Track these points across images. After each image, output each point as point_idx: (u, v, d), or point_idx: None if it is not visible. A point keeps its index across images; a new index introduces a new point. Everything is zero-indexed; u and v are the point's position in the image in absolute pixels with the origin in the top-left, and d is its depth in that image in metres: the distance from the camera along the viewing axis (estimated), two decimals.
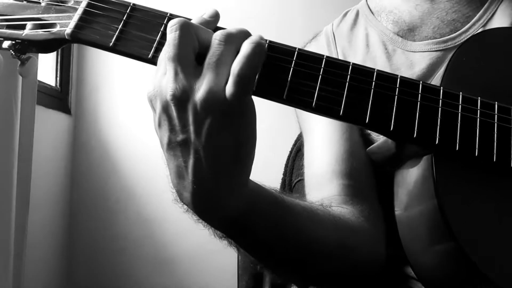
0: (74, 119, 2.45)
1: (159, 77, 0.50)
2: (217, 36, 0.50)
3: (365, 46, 0.83)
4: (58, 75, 2.38)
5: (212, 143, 0.48)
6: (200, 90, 0.47)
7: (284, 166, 1.13)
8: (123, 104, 2.44)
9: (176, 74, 0.48)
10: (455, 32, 0.78)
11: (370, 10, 0.87)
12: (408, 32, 0.81)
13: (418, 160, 0.56)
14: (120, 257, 2.38)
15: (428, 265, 0.57)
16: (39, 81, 1.90)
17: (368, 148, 0.64)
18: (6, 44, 0.56)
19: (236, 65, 0.48)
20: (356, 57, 0.83)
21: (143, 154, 2.39)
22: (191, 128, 0.48)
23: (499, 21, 0.77)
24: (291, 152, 1.13)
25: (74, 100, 2.45)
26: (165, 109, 0.49)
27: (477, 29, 0.77)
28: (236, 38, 0.50)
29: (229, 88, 0.48)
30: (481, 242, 0.52)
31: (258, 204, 0.55)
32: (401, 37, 0.81)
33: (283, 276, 0.69)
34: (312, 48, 0.89)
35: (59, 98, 2.35)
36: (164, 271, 2.35)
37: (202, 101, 0.47)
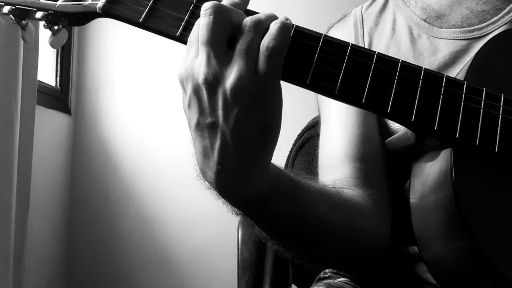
0: (74, 119, 2.45)
1: (191, 59, 0.51)
2: (247, 23, 0.51)
3: (391, 30, 0.83)
4: (58, 75, 2.38)
5: (239, 128, 0.50)
6: (231, 77, 0.49)
7: (284, 166, 1.13)
8: (123, 104, 2.44)
9: (208, 58, 0.49)
10: (483, 23, 0.78)
11: None
12: (436, 19, 0.81)
13: (437, 153, 0.56)
14: (120, 257, 2.38)
15: (440, 256, 0.56)
16: (39, 81, 1.90)
17: (387, 140, 0.64)
18: (39, 14, 0.57)
19: (263, 45, 0.50)
20: (381, 40, 0.83)
21: (143, 154, 2.39)
22: (220, 112, 0.49)
23: None
24: (291, 152, 1.13)
25: (74, 100, 2.45)
26: (196, 91, 0.50)
27: (506, 21, 0.76)
28: (265, 24, 0.51)
29: (259, 69, 0.49)
30: (495, 236, 0.51)
31: (278, 187, 0.57)
32: (429, 23, 0.81)
33: (292, 254, 0.71)
34: (339, 28, 0.90)
35: (59, 98, 2.35)
36: (164, 271, 2.35)
37: (232, 88, 0.49)
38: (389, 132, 0.77)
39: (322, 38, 0.54)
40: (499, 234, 0.52)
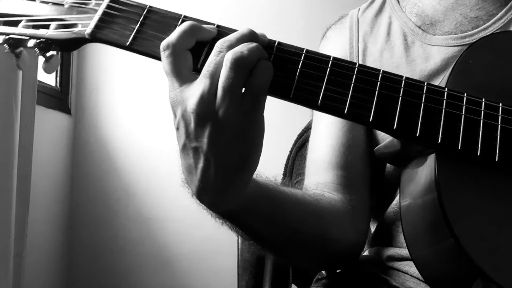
0: (74, 119, 2.45)
1: (180, 87, 0.54)
2: (228, 61, 0.52)
3: (386, 35, 0.84)
4: (58, 75, 2.38)
5: (221, 155, 0.54)
6: (220, 111, 0.51)
7: (284, 166, 1.13)
8: (123, 104, 2.44)
9: (202, 92, 0.52)
10: (476, 29, 0.78)
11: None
12: (430, 26, 0.81)
13: (423, 159, 0.57)
14: (120, 257, 2.38)
15: (428, 258, 0.57)
16: (39, 81, 1.90)
17: (376, 148, 0.65)
18: (31, 42, 0.60)
19: (250, 86, 0.52)
20: (376, 44, 0.84)
21: (143, 153, 2.39)
22: (205, 140, 0.53)
23: None
24: (291, 152, 1.13)
25: (74, 100, 2.45)
26: (184, 118, 0.53)
27: (497, 27, 0.77)
28: (250, 61, 0.52)
29: (245, 107, 0.52)
30: (479, 237, 0.52)
31: (256, 202, 0.62)
32: (423, 30, 0.81)
33: (265, 253, 0.81)
34: (336, 30, 0.91)
35: (59, 98, 2.35)
36: (164, 271, 2.35)
37: (219, 122, 0.52)
38: (376, 139, 0.80)
39: (303, 54, 0.56)
40: (483, 235, 0.52)
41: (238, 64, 0.51)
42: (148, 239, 2.37)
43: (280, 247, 0.72)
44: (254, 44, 0.53)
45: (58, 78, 2.38)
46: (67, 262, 2.38)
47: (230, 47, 0.53)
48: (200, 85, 0.52)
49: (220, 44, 0.54)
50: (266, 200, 0.64)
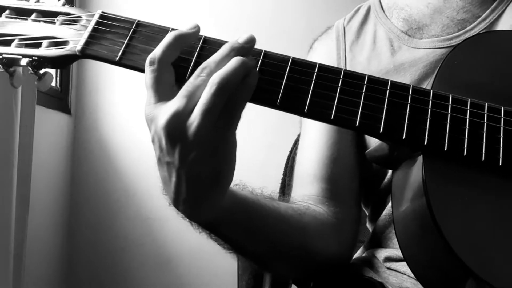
0: (74, 119, 2.45)
1: (154, 103, 0.56)
2: (212, 85, 0.52)
3: (372, 43, 0.84)
4: (58, 75, 2.38)
5: (192, 171, 0.54)
6: (191, 129, 0.52)
7: (284, 166, 1.13)
8: (123, 104, 2.44)
9: (173, 109, 0.53)
10: (461, 31, 0.78)
11: (382, 6, 0.88)
12: (417, 30, 0.82)
13: (412, 161, 0.57)
14: (120, 257, 2.38)
15: (421, 261, 0.58)
16: None
17: (366, 151, 0.66)
18: (24, 61, 0.61)
19: (227, 105, 0.52)
20: (362, 53, 0.84)
21: (143, 153, 2.39)
22: (177, 156, 0.53)
23: (507, 20, 0.76)
24: (291, 152, 1.13)
25: (74, 100, 2.45)
26: (157, 133, 0.54)
27: (482, 27, 0.77)
28: (232, 82, 0.52)
29: (218, 124, 0.52)
30: (468, 238, 0.52)
31: (230, 215, 0.63)
32: (409, 35, 0.81)
33: (254, 266, 0.84)
34: (322, 41, 0.91)
35: (59, 98, 2.35)
36: (164, 271, 2.35)
37: (191, 140, 0.52)
38: (368, 147, 0.79)
39: (290, 60, 0.56)
40: (472, 236, 0.53)
41: (222, 89, 0.51)
42: (148, 239, 2.37)
43: (260, 258, 0.73)
44: (239, 63, 0.52)
45: (58, 78, 2.38)
46: (67, 262, 2.38)
47: (210, 73, 0.53)
48: (175, 104, 0.52)
49: (201, 68, 0.54)
50: (244, 213, 0.65)
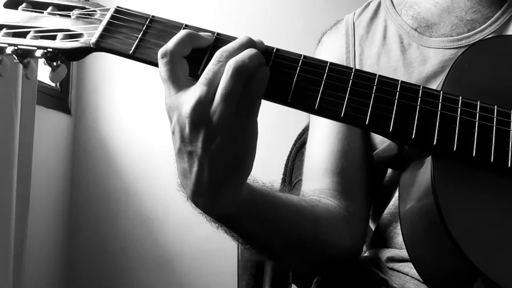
0: (74, 119, 2.45)
1: (176, 93, 0.55)
2: (229, 70, 0.53)
3: (382, 38, 0.84)
4: None
5: (215, 160, 0.55)
6: (214, 117, 0.53)
7: (284, 166, 1.13)
8: (123, 104, 2.44)
9: (199, 98, 0.53)
10: (472, 31, 0.78)
11: (392, 2, 0.88)
12: (426, 28, 0.82)
13: (421, 162, 0.58)
14: (120, 257, 2.38)
15: (428, 261, 0.58)
16: (39, 81, 1.90)
17: (374, 152, 0.66)
18: (39, 52, 0.62)
19: (246, 92, 0.53)
20: (372, 48, 0.84)
21: (143, 153, 2.39)
22: (199, 144, 0.54)
23: None
24: (291, 152, 1.13)
25: (74, 100, 2.45)
26: (180, 122, 0.54)
27: (493, 29, 0.77)
28: (249, 69, 0.54)
29: (240, 112, 0.53)
30: (477, 239, 0.52)
31: (249, 206, 0.63)
32: (419, 32, 0.82)
33: (260, 257, 0.81)
34: (332, 35, 0.91)
35: (59, 98, 2.35)
36: (164, 271, 2.35)
37: (213, 127, 0.53)
38: (374, 144, 0.80)
39: (301, 59, 0.57)
40: (481, 236, 0.53)
41: (239, 72, 0.52)
42: (148, 239, 2.37)
43: (276, 251, 0.73)
44: (254, 51, 0.54)
45: None
46: (67, 262, 2.38)
47: (229, 56, 0.54)
48: (197, 91, 0.53)
49: (219, 53, 0.55)
50: (261, 205, 0.65)
